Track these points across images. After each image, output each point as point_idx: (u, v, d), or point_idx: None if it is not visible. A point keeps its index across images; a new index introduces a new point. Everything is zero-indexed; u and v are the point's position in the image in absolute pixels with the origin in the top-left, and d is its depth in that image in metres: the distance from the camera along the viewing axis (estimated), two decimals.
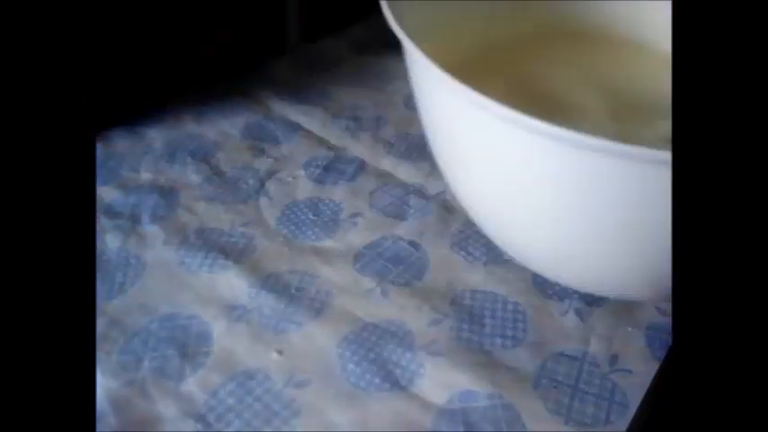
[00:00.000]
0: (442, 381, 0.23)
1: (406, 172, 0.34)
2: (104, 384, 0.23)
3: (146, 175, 0.32)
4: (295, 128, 0.37)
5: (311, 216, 0.31)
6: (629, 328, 0.25)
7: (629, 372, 0.24)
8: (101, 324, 0.25)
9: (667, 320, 0.26)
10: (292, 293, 0.26)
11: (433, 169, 0.34)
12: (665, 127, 0.26)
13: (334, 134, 0.36)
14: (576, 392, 0.23)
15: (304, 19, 0.46)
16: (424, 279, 0.28)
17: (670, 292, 0.17)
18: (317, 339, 0.24)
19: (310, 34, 0.46)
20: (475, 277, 0.28)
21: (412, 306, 0.26)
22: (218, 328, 0.25)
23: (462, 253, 0.29)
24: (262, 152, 0.35)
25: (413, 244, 0.29)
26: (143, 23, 0.34)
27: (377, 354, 0.24)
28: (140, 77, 0.36)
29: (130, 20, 0.34)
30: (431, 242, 0.30)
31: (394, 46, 0.45)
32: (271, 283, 0.27)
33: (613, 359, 0.24)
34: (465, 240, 0.30)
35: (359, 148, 0.35)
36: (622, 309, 0.26)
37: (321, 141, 0.36)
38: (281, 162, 0.34)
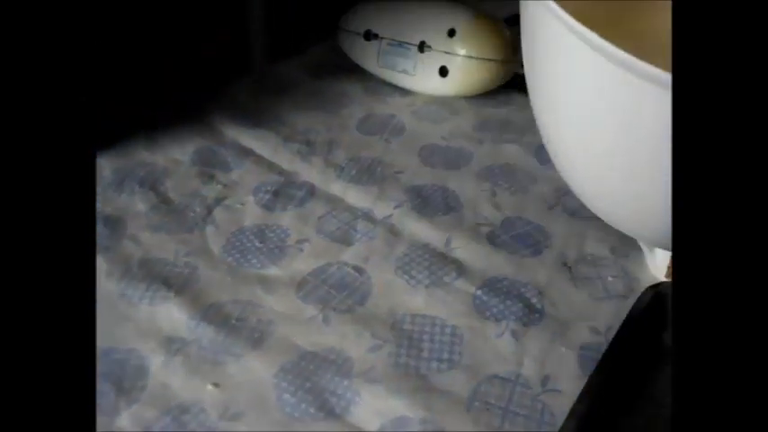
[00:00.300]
0: (376, 408, 0.24)
1: (355, 196, 0.34)
2: None
3: None
4: (247, 153, 0.37)
5: (257, 243, 0.31)
6: (563, 349, 0.26)
7: (559, 392, 0.24)
8: None
9: (600, 339, 0.26)
10: (233, 324, 0.27)
11: (382, 192, 0.35)
12: None
13: (285, 158, 0.37)
14: (506, 414, 0.23)
15: (267, 41, 0.46)
16: (367, 305, 0.28)
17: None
18: (254, 370, 0.25)
19: (271, 56, 0.47)
20: (416, 300, 0.28)
21: (352, 333, 0.27)
22: (156, 362, 0.25)
23: (405, 277, 0.29)
24: (211, 178, 0.35)
25: (357, 269, 0.30)
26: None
27: (314, 383, 0.24)
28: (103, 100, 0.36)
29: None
30: (376, 267, 0.30)
31: (350, 69, 0.46)
32: (211, 314, 0.27)
33: (545, 380, 0.25)
34: (409, 264, 0.30)
35: (310, 172, 0.36)
36: (557, 328, 0.27)
37: (272, 166, 0.36)
38: (231, 188, 0.34)
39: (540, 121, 0.28)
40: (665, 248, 0.28)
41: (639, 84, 0.20)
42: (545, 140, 0.28)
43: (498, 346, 0.26)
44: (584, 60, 0.21)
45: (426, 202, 0.34)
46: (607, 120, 0.22)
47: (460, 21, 0.41)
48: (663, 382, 0.24)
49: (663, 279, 0.30)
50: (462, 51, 0.40)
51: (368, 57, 0.44)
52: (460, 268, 0.30)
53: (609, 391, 0.23)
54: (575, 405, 0.23)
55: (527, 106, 0.38)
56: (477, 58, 0.40)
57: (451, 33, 0.41)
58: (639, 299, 0.26)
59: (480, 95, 0.44)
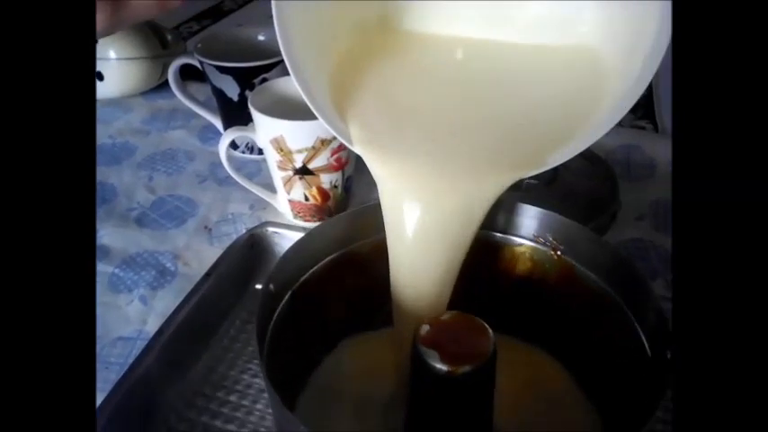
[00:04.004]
0: None
1: None
2: None
3: None
4: None
5: None
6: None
7: None
8: None
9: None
10: None
11: None
12: None
13: None
14: (122, 368, 0.27)
15: None
16: None
17: None
18: None
19: None
20: None
21: None
22: None
23: None
24: None
25: None
26: None
27: None
28: None
29: None
30: None
31: None
32: None
33: (161, 330, 0.29)
34: None
35: None
36: (187, 284, 0.31)
37: None
38: None
39: None
40: None
41: None
42: None
43: (128, 312, 0.30)
44: None
45: None
46: None
47: None
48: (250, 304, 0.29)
49: (291, 220, 0.35)
50: (113, 54, 0.43)
51: None
52: (103, 253, 0.33)
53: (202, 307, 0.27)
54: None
55: (197, 92, 0.42)
56: (128, 59, 0.43)
57: None
58: (238, 238, 0.31)
59: (154, 89, 0.47)
